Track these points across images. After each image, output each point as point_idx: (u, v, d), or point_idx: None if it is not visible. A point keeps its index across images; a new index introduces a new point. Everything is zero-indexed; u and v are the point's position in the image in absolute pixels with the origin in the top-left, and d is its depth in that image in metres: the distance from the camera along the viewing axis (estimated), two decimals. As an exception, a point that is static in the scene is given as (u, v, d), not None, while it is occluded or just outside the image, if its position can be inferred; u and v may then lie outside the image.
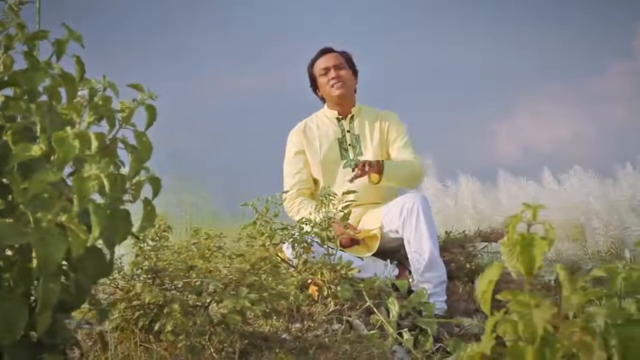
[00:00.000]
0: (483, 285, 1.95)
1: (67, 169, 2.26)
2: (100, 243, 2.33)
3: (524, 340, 1.86)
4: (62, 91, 2.43)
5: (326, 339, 3.78)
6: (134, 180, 2.52)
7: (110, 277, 3.70)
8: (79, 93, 2.45)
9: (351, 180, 4.88)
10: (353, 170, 4.93)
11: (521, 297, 1.90)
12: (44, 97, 2.45)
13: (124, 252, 3.97)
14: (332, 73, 5.35)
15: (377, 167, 4.93)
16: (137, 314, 3.57)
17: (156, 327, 3.50)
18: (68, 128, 2.22)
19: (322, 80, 5.40)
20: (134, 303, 3.56)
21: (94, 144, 2.20)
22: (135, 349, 3.50)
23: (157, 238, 3.79)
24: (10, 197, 2.19)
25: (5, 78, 2.36)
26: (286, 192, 5.16)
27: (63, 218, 2.09)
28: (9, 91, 2.39)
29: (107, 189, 2.14)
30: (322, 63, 5.42)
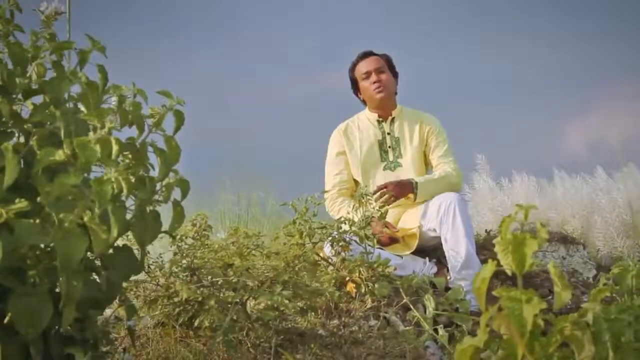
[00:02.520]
0: (477, 282, 2.03)
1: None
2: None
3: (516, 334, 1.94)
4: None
5: (359, 335, 3.87)
6: (164, 183, 2.63)
7: (152, 275, 3.84)
8: (110, 100, 2.57)
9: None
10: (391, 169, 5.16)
11: (513, 293, 1.97)
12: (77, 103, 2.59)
13: (163, 250, 4.12)
14: (374, 77, 5.43)
15: (409, 189, 5.11)
16: (177, 310, 3.71)
17: (196, 323, 3.64)
18: (90, 134, 2.35)
19: (363, 84, 5.48)
20: (175, 300, 3.69)
21: (115, 148, 2.32)
22: (175, 344, 3.63)
23: (198, 237, 3.91)
24: (37, 198, 2.30)
25: (35, 86, 2.49)
26: (325, 192, 5.27)
27: (86, 219, 2.22)
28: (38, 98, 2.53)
29: (125, 192, 2.25)
30: (363, 67, 5.50)
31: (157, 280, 3.84)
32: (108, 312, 3.28)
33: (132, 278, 3.60)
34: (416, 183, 5.14)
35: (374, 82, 5.42)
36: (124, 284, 3.66)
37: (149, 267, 3.90)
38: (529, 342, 1.92)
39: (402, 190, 5.09)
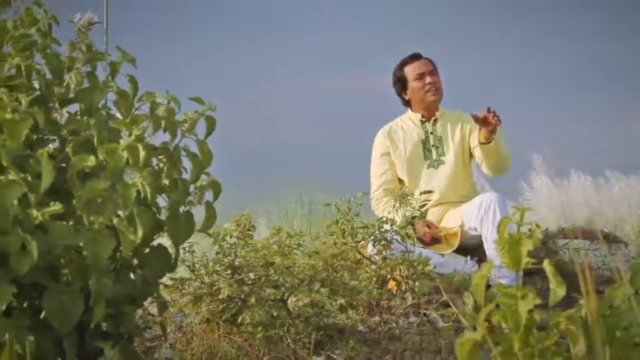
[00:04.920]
0: (476, 279, 2.13)
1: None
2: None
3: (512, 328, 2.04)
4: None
5: (397, 331, 3.98)
6: (197, 185, 2.78)
7: (196, 273, 4.00)
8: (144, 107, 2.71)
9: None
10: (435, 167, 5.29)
11: (509, 289, 2.07)
12: (113, 111, 2.74)
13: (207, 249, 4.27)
14: (428, 79, 5.55)
15: (493, 127, 5.15)
16: (221, 307, 3.86)
17: (239, 320, 3.78)
18: (122, 140, 2.50)
19: (415, 85, 5.59)
20: (219, 297, 3.84)
21: (142, 154, 2.46)
22: (219, 339, 3.77)
23: (242, 236, 4.05)
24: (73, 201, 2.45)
25: (71, 95, 2.65)
26: (365, 193, 5.34)
27: (115, 220, 2.37)
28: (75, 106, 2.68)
29: (149, 195, 2.39)
30: (416, 68, 5.62)
31: (201, 278, 3.99)
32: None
33: (177, 276, 3.79)
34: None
35: (428, 84, 5.54)
36: (169, 282, 3.84)
37: (193, 265, 4.06)
38: (524, 336, 2.01)
39: (488, 122, 5.12)
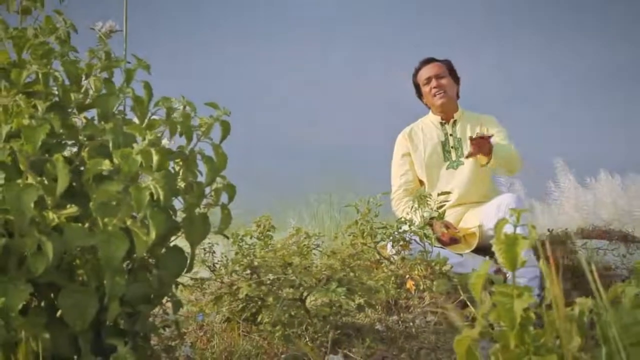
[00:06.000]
0: (473, 278, 2.19)
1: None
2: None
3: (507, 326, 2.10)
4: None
5: (413, 329, 4.03)
6: (213, 188, 2.85)
7: (217, 273, 4.08)
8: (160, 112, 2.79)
9: (467, 157, 5.20)
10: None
11: (505, 288, 2.13)
12: (130, 116, 2.83)
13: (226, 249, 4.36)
14: (434, 82, 5.65)
15: (488, 148, 5.14)
16: (241, 306, 3.94)
17: (259, 319, 3.86)
18: (135, 145, 2.59)
19: (425, 89, 5.71)
20: (239, 297, 3.92)
21: (155, 158, 2.54)
22: (239, 338, 3.85)
23: (262, 237, 4.13)
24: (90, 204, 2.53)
25: (88, 101, 2.74)
26: (386, 193, 5.40)
27: (129, 222, 2.45)
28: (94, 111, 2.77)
29: (162, 198, 2.46)
30: (424, 73, 5.73)
31: (221, 278, 4.07)
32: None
33: (198, 276, 3.87)
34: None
35: (434, 88, 5.63)
36: (190, 282, 3.93)
37: (214, 265, 4.14)
38: (519, 333, 2.06)
39: (482, 146, 5.11)
